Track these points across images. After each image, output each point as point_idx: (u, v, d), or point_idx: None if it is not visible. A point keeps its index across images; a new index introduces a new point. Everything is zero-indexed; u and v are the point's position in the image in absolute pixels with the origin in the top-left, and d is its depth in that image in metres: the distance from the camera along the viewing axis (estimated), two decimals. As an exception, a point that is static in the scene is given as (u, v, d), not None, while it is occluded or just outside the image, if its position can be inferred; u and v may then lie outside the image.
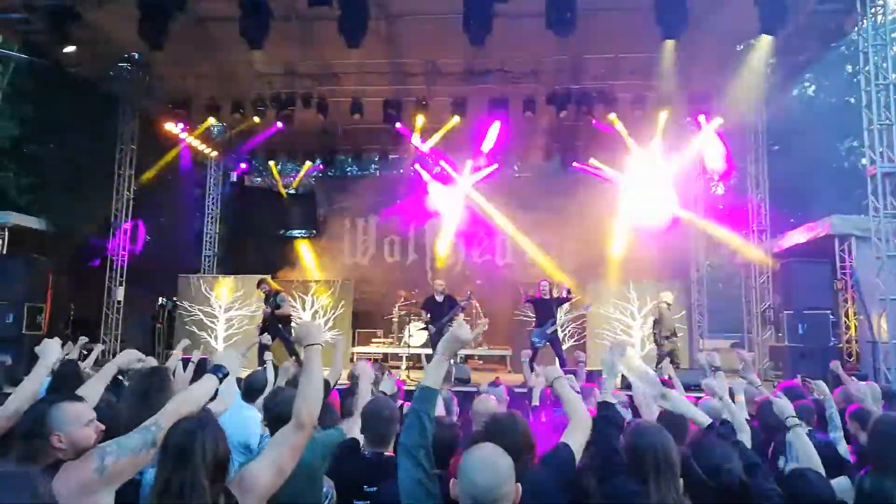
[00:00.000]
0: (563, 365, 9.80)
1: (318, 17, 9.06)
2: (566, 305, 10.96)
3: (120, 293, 12.91)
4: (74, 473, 2.08)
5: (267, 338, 8.73)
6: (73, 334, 12.52)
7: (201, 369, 5.31)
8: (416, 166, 15.23)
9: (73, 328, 12.63)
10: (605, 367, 3.08)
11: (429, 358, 10.93)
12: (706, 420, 2.97)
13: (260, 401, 3.81)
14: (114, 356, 12.46)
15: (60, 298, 11.85)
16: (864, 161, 9.64)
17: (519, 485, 1.83)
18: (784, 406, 3.11)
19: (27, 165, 14.75)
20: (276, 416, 3.05)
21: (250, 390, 4.37)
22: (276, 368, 4.97)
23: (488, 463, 1.82)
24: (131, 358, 3.54)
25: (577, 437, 2.54)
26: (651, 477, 2.31)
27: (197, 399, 2.47)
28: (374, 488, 2.81)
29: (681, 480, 2.35)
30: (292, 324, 10.36)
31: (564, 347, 11.09)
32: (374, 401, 3.29)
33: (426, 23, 9.78)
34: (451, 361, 10.36)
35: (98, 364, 10.98)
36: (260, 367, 5.65)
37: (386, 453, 3.01)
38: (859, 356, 9.97)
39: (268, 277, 10.87)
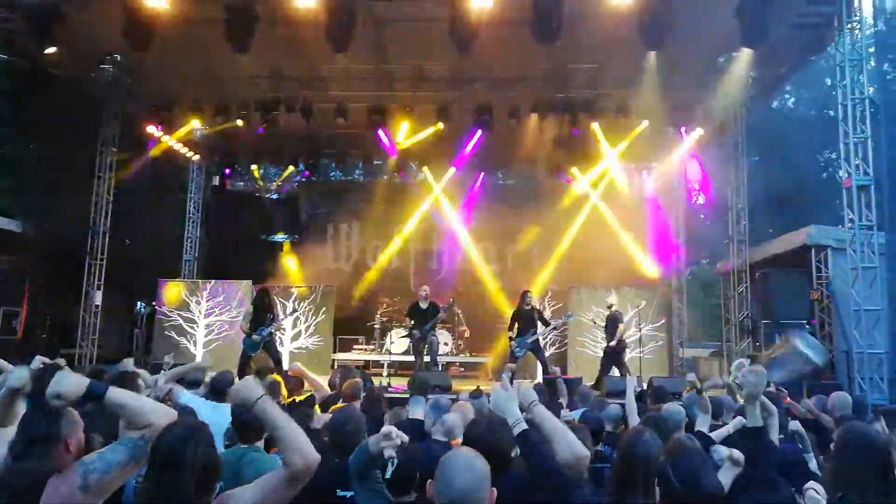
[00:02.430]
0: (546, 373, 9.85)
1: (304, 21, 9.05)
2: (547, 313, 11.03)
3: (98, 297, 12.72)
4: (59, 489, 2.06)
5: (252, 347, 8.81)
6: (49, 339, 12.41)
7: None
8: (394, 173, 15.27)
9: (49, 333, 12.45)
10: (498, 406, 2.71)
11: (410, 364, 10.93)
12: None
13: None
14: (91, 361, 12.32)
15: (37, 302, 11.68)
16: (841, 173, 9.81)
17: (494, 489, 1.84)
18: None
19: (5, 167, 14.53)
20: (244, 423, 3.08)
21: (217, 390, 4.49)
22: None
23: (466, 466, 1.83)
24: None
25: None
26: (639, 486, 2.33)
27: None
28: (349, 493, 2.79)
29: (657, 489, 2.37)
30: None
31: (546, 355, 11.13)
32: (342, 410, 3.29)
33: (413, 29, 9.81)
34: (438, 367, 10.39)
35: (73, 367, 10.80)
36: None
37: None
38: (834, 366, 10.10)
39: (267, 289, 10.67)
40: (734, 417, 4.31)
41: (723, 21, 8.79)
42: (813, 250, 10.77)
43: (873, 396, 8.51)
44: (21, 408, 2.77)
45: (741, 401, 4.57)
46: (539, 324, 10.00)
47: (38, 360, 3.64)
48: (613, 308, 10.29)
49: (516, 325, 10.03)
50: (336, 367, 11.24)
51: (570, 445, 2.52)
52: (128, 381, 3.78)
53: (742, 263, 12.66)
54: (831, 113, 17.64)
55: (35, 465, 2.19)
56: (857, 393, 8.44)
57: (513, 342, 9.86)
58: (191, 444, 1.98)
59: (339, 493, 2.83)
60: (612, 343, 9.94)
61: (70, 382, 2.09)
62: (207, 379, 5.31)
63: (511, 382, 2.81)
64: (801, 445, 3.88)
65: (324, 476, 2.96)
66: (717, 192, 13.77)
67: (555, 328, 10.63)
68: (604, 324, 10.49)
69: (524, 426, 2.50)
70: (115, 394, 2.15)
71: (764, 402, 3.35)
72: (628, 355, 10.36)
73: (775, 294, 10.34)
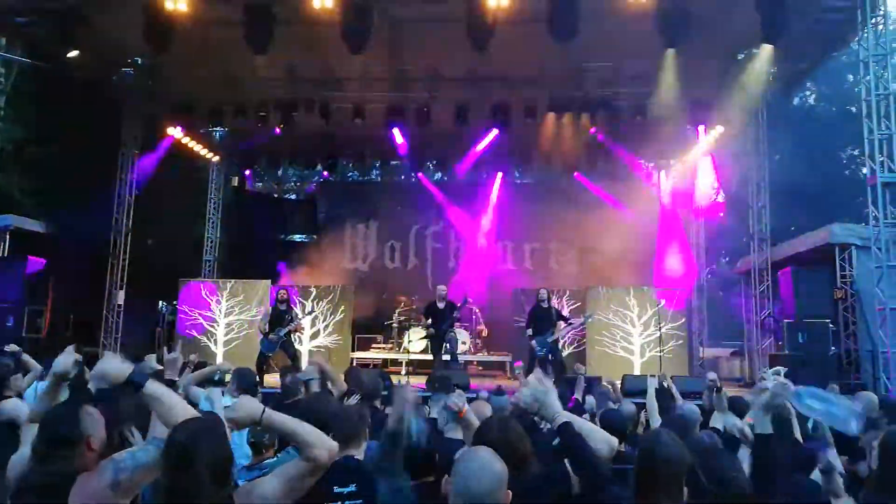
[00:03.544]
0: (563, 372, 9.81)
1: (321, 22, 9.10)
2: (566, 312, 10.99)
3: (121, 297, 12.91)
4: (88, 487, 2.08)
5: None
6: (73, 338, 12.59)
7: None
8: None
9: (73, 332, 12.64)
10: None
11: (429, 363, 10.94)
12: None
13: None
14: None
15: (61, 302, 11.85)
16: (864, 170, 9.66)
17: (510, 492, 1.83)
18: None
19: (29, 168, 14.78)
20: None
21: (242, 388, 4.44)
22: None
23: (484, 467, 1.82)
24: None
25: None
26: (660, 487, 2.31)
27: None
28: (346, 489, 2.80)
29: (685, 489, 2.34)
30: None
31: (564, 354, 11.09)
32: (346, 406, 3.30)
33: (429, 29, 9.82)
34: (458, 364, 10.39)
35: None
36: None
37: (356, 456, 3.02)
38: (859, 365, 9.94)
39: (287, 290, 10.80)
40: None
41: (743, 16, 8.70)
42: (837, 248, 10.61)
43: (899, 396, 8.38)
44: (64, 396, 2.82)
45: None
46: (559, 322, 9.93)
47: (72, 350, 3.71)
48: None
49: (534, 324, 10.00)
50: (354, 363, 11.29)
51: (604, 438, 2.55)
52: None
53: (763, 262, 12.51)
54: (853, 109, 17.40)
55: (59, 466, 2.20)
56: (882, 392, 8.31)
57: (533, 340, 9.80)
58: (202, 439, 2.00)
59: (336, 489, 2.83)
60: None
61: (115, 366, 2.15)
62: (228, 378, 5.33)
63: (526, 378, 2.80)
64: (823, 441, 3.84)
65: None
66: (738, 190, 13.63)
67: (573, 326, 10.56)
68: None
69: (565, 417, 2.50)
70: (153, 387, 2.20)
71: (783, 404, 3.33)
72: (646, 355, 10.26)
73: (798, 293, 10.18)
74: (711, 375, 4.75)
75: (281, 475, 2.15)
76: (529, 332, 9.95)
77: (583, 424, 2.61)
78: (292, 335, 10.11)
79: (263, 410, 2.16)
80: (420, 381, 8.92)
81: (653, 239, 14.49)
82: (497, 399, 4.56)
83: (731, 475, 2.35)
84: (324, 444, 2.13)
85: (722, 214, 14.77)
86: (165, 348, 5.20)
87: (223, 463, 2.04)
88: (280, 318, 9.77)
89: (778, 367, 3.42)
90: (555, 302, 10.48)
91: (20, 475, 2.28)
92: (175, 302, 12.97)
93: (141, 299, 13.47)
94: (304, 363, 10.14)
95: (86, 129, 13.37)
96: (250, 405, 2.20)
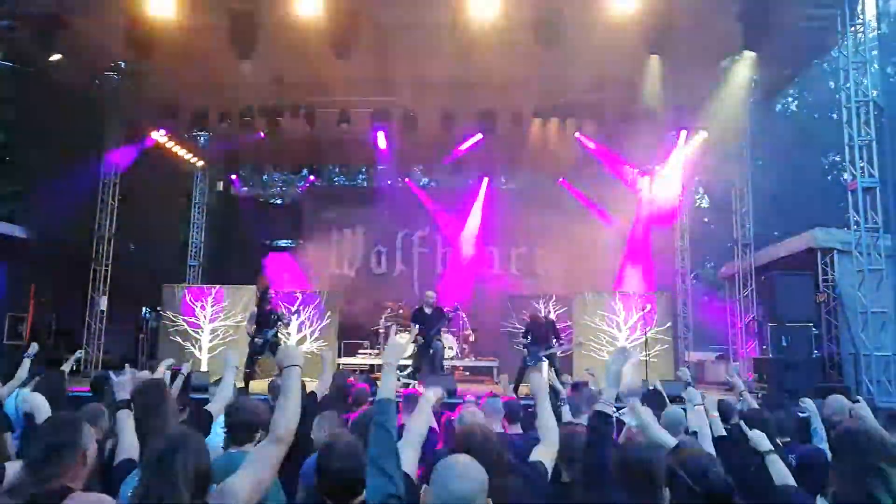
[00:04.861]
0: (558, 375, 9.79)
1: (307, 27, 9.08)
2: (552, 315, 11.03)
3: (103, 303, 12.77)
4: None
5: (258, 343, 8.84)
6: (55, 345, 12.44)
7: (188, 384, 5.30)
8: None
9: (55, 338, 12.49)
10: (609, 374, 2.71)
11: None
12: (671, 441, 2.94)
13: None
14: (96, 367, 12.37)
15: (43, 308, 11.70)
16: (845, 175, 9.79)
17: (490, 500, 1.82)
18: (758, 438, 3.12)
19: (10, 173, 14.59)
20: (237, 423, 3.13)
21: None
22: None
23: (463, 473, 1.81)
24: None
25: (547, 456, 2.56)
26: (639, 489, 2.33)
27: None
28: None
29: (666, 490, 2.36)
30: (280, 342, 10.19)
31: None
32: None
33: (415, 35, 9.82)
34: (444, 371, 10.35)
35: (79, 372, 10.82)
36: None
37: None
38: (842, 368, 10.05)
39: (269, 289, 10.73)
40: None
41: (725, 24, 8.79)
42: (819, 253, 10.73)
43: (881, 399, 8.48)
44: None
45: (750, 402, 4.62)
46: (553, 339, 9.87)
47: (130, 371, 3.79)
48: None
49: (531, 335, 9.95)
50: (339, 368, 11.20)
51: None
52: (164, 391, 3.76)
53: (747, 266, 12.63)
54: (834, 116, 17.63)
55: (52, 472, 2.19)
56: (865, 395, 8.40)
57: (526, 349, 9.79)
58: (180, 451, 1.99)
59: None
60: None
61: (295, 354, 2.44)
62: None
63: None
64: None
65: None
66: (721, 196, 13.75)
67: (562, 348, 10.51)
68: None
69: (611, 409, 2.55)
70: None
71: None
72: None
73: (781, 297, 10.27)
74: (683, 373, 4.89)
75: (246, 468, 2.19)
76: (524, 341, 9.91)
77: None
78: (279, 336, 10.01)
79: (295, 366, 2.41)
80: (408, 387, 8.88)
81: (639, 243, 14.58)
82: (492, 401, 4.55)
83: (711, 471, 2.37)
84: (288, 422, 2.28)
85: (706, 220, 14.89)
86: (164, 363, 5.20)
87: (202, 473, 2.03)
88: (265, 318, 9.67)
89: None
90: (552, 315, 10.53)
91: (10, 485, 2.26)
92: (159, 308, 12.85)
93: (124, 305, 13.34)
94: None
95: (68, 132, 13.23)
96: (292, 355, 2.44)
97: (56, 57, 10.02)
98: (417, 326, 10.40)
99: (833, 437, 2.71)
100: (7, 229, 12.17)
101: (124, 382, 3.23)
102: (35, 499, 2.12)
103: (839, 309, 10.33)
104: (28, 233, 12.48)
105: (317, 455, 2.55)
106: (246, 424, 3.09)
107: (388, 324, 13.10)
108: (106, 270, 12.95)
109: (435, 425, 4.64)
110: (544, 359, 9.74)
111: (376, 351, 13.43)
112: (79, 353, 4.89)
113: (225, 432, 3.18)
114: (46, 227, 12.61)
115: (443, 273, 15.63)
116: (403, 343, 2.45)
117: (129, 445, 2.87)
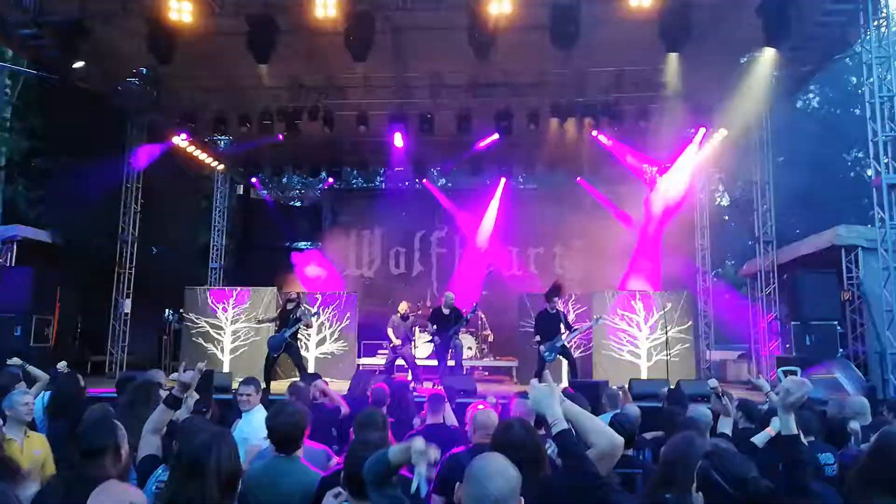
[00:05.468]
0: (576, 375, 9.78)
1: (324, 31, 9.15)
2: (571, 315, 10.97)
3: (127, 305, 12.98)
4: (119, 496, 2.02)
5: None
6: (80, 347, 12.65)
7: (207, 381, 5.37)
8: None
9: (80, 341, 12.69)
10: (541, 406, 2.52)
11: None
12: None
13: None
14: (121, 368, 12.56)
15: (68, 311, 11.89)
16: (869, 172, 9.64)
17: (522, 498, 1.83)
18: None
19: (36, 179, 14.87)
20: (279, 432, 3.03)
21: None
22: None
23: (500, 472, 1.82)
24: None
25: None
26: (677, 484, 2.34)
27: None
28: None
29: (699, 494, 2.34)
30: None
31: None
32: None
33: (431, 36, 9.85)
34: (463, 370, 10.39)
35: (103, 374, 10.98)
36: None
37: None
38: (867, 367, 9.89)
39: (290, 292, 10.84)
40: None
41: (745, 20, 8.70)
42: (843, 250, 10.57)
43: (907, 398, 8.32)
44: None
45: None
46: (565, 330, 9.83)
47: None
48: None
49: (541, 331, 9.91)
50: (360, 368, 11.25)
51: (604, 433, 2.48)
52: (152, 391, 3.83)
53: (769, 264, 12.48)
54: (857, 111, 17.36)
55: (94, 471, 2.33)
56: (892, 395, 8.27)
57: (541, 347, 9.73)
58: (214, 451, 2.01)
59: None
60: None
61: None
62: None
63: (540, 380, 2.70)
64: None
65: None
66: (742, 193, 13.60)
67: (580, 331, 10.48)
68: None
69: (564, 426, 2.39)
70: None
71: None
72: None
73: (804, 295, 10.13)
74: (712, 383, 4.77)
75: None
76: (538, 338, 9.85)
77: (583, 417, 2.52)
78: (297, 338, 10.07)
79: None
80: (425, 387, 8.89)
81: (659, 241, 14.47)
82: (523, 401, 4.54)
83: (750, 476, 2.34)
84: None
85: (727, 217, 14.74)
86: (182, 365, 5.23)
87: (233, 474, 2.06)
88: (286, 318, 9.74)
89: (788, 367, 3.54)
90: (561, 305, 10.39)
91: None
92: (182, 310, 13.01)
93: (147, 308, 13.53)
94: (311, 369, 10.19)
95: (92, 138, 13.44)
96: None
97: (79, 64, 10.21)
98: (435, 326, 10.44)
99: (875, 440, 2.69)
100: (33, 234, 12.40)
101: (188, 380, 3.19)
102: (78, 480, 2.26)
103: (864, 307, 10.17)
104: (53, 237, 12.71)
105: None
106: (292, 434, 3.02)
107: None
108: (130, 274, 13.16)
109: (455, 423, 4.66)
110: (560, 350, 9.69)
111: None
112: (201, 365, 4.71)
113: (270, 439, 3.12)
114: (71, 232, 12.84)
115: (461, 273, 15.64)
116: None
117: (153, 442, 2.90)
